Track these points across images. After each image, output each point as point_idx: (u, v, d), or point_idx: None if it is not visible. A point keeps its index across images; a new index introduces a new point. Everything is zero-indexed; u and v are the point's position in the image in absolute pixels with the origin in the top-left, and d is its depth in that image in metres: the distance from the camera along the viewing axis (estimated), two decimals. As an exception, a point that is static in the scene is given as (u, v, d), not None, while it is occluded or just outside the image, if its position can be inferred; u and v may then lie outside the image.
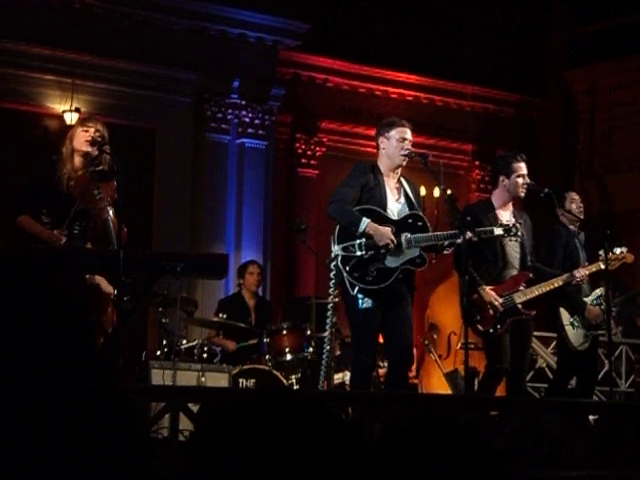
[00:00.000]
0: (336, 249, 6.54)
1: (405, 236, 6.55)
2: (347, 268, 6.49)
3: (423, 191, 8.40)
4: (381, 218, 6.55)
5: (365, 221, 6.45)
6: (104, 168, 6.31)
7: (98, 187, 6.22)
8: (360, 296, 6.49)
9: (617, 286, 9.64)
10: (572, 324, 7.79)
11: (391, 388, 6.76)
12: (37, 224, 6.19)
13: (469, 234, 6.58)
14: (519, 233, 7.00)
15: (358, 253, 6.49)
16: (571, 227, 7.95)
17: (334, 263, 6.54)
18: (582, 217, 8.00)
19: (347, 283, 6.51)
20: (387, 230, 6.49)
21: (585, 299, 7.84)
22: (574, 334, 7.80)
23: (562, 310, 7.78)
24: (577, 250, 7.90)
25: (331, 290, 6.74)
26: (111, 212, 6.19)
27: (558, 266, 7.70)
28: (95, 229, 6.25)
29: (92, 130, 6.31)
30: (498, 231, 6.85)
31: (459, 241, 6.59)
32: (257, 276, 10.20)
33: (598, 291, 7.87)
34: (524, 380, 7.67)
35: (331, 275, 6.62)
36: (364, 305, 6.47)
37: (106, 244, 6.16)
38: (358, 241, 6.49)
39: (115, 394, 1.34)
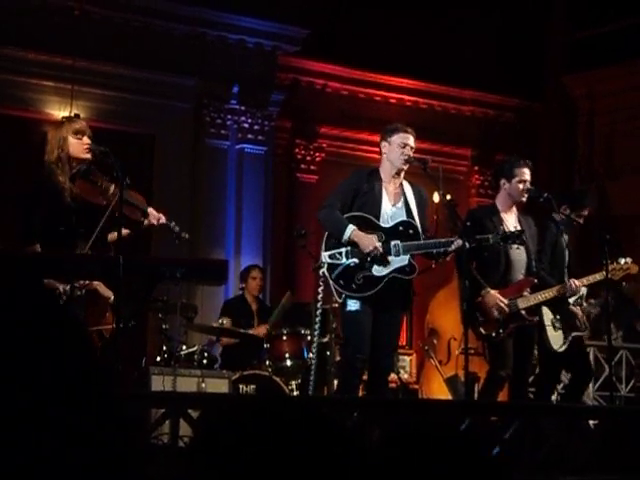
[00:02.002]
0: (323, 256, 6.58)
1: (394, 244, 6.56)
2: (333, 276, 6.52)
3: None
4: (371, 226, 6.57)
5: (350, 228, 6.47)
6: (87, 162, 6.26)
7: (94, 181, 6.20)
8: (348, 300, 6.54)
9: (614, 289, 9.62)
10: (553, 325, 7.75)
11: (370, 394, 6.79)
12: None
13: (459, 242, 6.56)
14: (518, 242, 6.98)
15: (344, 261, 6.51)
16: (561, 227, 7.91)
17: (322, 270, 6.58)
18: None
19: (333, 290, 6.56)
20: (372, 238, 6.50)
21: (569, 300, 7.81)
22: (554, 335, 7.76)
23: (545, 310, 7.73)
24: (563, 249, 7.87)
25: (320, 296, 6.82)
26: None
27: (546, 263, 7.64)
28: (127, 214, 6.20)
29: (86, 138, 6.20)
30: (495, 239, 6.83)
31: (450, 249, 6.59)
32: (260, 281, 10.23)
33: (580, 291, 7.81)
34: (526, 386, 7.65)
35: (320, 282, 6.68)
36: (352, 307, 6.52)
37: (139, 219, 6.24)
38: (344, 249, 6.52)
39: (112, 398, 1.34)
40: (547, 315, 7.72)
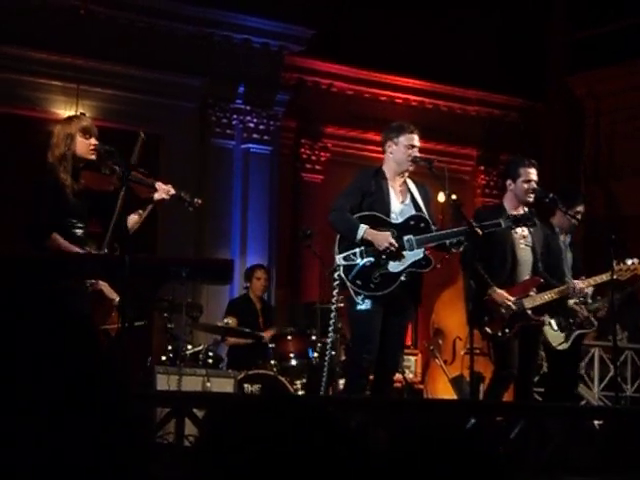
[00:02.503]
0: (337, 259, 6.56)
1: (407, 239, 6.55)
2: (349, 277, 6.49)
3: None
4: (382, 223, 6.56)
5: (362, 227, 6.46)
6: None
7: (99, 168, 6.20)
8: (358, 299, 6.50)
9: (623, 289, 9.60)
10: (550, 324, 7.74)
11: (376, 393, 6.77)
12: (66, 243, 6.04)
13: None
14: (529, 223, 6.97)
15: (359, 261, 6.49)
16: (557, 229, 7.88)
17: (337, 273, 6.55)
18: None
19: (352, 292, 6.52)
20: (386, 234, 6.49)
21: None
22: (553, 334, 7.75)
23: None
24: (560, 251, 7.83)
25: (334, 299, 6.76)
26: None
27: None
28: (138, 193, 6.23)
29: (93, 139, 6.18)
30: (506, 223, 6.82)
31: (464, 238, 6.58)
32: (264, 281, 10.21)
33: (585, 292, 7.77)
34: (532, 386, 7.63)
35: (334, 285, 6.62)
36: (362, 307, 6.49)
37: (149, 197, 6.26)
38: (358, 249, 6.49)
39: (120, 398, 1.34)
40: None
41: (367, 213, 6.56)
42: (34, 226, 6.08)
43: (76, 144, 6.15)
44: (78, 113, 11.20)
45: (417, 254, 6.56)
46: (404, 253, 6.53)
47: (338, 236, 6.61)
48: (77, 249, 6.01)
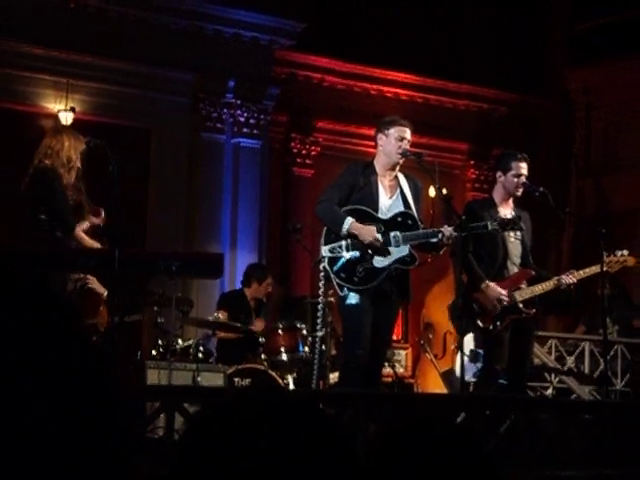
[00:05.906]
0: (323, 250, 6.56)
1: (393, 235, 6.55)
2: (334, 269, 6.49)
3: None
4: (369, 218, 6.55)
5: (348, 221, 6.46)
6: None
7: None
8: (347, 293, 6.51)
9: (614, 283, 9.62)
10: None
11: (365, 386, 6.76)
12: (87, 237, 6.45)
13: (449, 230, 6.53)
14: (516, 227, 6.96)
15: (344, 254, 6.49)
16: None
17: (322, 265, 6.55)
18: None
19: (335, 284, 6.54)
20: (371, 228, 6.49)
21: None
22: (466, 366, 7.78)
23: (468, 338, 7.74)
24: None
25: (321, 291, 6.78)
26: None
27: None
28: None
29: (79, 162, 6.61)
30: (493, 226, 6.81)
31: (447, 236, 6.57)
32: (271, 288, 10.12)
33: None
34: (524, 380, 7.62)
35: (320, 276, 6.64)
36: (352, 301, 6.49)
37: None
38: (344, 242, 6.49)
39: (111, 394, 1.34)
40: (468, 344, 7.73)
41: (355, 207, 6.56)
42: (65, 221, 6.31)
43: (78, 160, 6.57)
44: (68, 107, 11.22)
45: (402, 250, 6.56)
46: (390, 249, 6.53)
47: (325, 228, 6.62)
48: (96, 244, 6.34)
